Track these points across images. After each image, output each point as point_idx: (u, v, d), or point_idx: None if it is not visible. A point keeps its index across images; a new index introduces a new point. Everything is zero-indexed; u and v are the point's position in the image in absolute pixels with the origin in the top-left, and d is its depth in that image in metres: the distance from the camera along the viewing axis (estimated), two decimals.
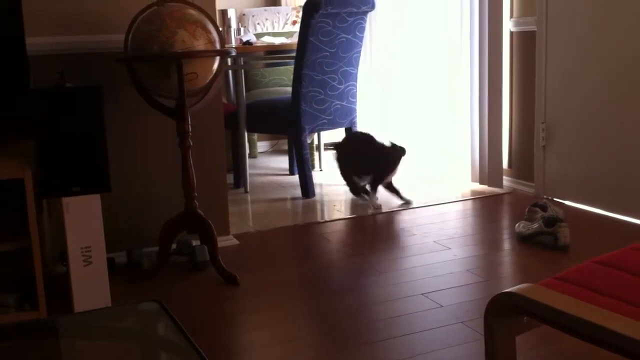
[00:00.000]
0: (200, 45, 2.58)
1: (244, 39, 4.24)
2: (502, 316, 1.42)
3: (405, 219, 3.52)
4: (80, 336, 1.31)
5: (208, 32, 2.63)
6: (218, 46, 2.68)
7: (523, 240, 3.09)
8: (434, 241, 3.14)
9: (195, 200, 2.74)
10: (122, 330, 1.27)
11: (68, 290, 2.49)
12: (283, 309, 2.47)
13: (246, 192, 4.19)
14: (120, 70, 2.85)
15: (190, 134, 2.70)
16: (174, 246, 2.94)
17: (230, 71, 4.71)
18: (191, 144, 2.70)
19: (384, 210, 3.67)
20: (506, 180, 4.05)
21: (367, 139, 3.83)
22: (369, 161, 3.77)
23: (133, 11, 2.81)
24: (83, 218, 2.43)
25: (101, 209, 2.46)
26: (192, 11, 2.65)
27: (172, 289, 2.70)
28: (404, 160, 3.77)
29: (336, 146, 3.91)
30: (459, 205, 3.73)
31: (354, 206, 3.81)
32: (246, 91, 4.82)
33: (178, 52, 2.52)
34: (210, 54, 2.61)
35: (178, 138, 2.69)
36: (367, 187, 3.80)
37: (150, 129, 3.01)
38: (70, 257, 2.44)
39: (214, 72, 2.71)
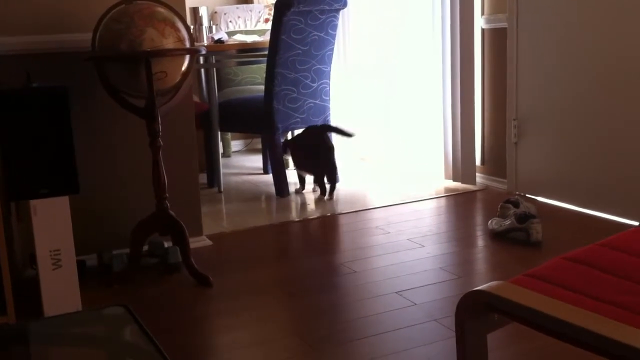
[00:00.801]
0: (169, 43, 2.55)
1: (216, 37, 4.21)
2: (473, 314, 1.42)
3: (379, 216, 3.52)
4: (44, 342, 1.28)
5: (177, 30, 2.60)
6: (187, 44, 2.65)
7: (496, 237, 3.11)
8: (408, 239, 3.14)
9: (167, 201, 2.71)
10: (87, 336, 1.25)
11: (38, 294, 2.45)
12: (257, 310, 2.45)
13: (220, 191, 4.16)
14: (89, 70, 2.81)
15: (161, 133, 2.66)
16: (145, 248, 2.91)
17: (202, 69, 4.68)
18: (162, 143, 2.67)
19: (359, 209, 3.66)
20: (479, 177, 4.07)
21: (313, 135, 3.89)
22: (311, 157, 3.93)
23: (101, 9, 2.77)
24: (51, 220, 2.39)
25: (70, 211, 2.42)
26: (161, 9, 2.62)
27: (144, 292, 2.67)
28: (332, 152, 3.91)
29: (285, 143, 4.02)
30: (433, 203, 3.74)
31: (328, 204, 3.80)
32: (219, 90, 4.80)
33: (147, 51, 2.49)
34: (179, 52, 2.58)
35: (148, 138, 2.66)
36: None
37: (120, 129, 2.97)
38: (39, 260, 2.40)
39: (184, 71, 2.68)
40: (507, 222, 3.05)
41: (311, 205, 3.80)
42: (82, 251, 2.87)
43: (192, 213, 3.15)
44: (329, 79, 4.17)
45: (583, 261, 1.53)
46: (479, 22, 3.91)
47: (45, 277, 2.41)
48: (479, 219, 3.44)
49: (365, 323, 2.30)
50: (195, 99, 4.74)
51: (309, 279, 2.72)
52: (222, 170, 4.25)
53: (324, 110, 4.18)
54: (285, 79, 3.91)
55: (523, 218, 2.98)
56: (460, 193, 3.90)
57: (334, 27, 4.08)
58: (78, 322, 1.30)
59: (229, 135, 5.34)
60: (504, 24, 3.76)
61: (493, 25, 3.84)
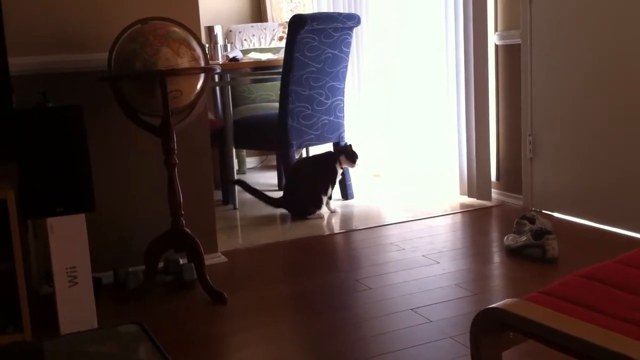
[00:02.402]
0: (184, 62, 2.57)
1: (231, 56, 4.24)
2: (488, 332, 1.41)
3: (394, 233, 3.51)
4: (60, 359, 1.29)
5: (192, 49, 2.63)
6: (202, 63, 2.68)
7: (511, 253, 3.09)
8: (423, 255, 3.13)
9: (182, 218, 2.73)
10: (102, 353, 1.25)
11: (54, 311, 2.46)
12: (272, 327, 2.45)
13: (235, 208, 4.17)
14: (105, 89, 2.84)
15: (176, 151, 2.68)
16: (161, 265, 2.92)
17: (217, 87, 4.71)
18: (177, 161, 2.69)
19: (374, 225, 3.66)
20: (494, 193, 4.05)
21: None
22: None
23: (116, 30, 2.80)
24: (68, 238, 2.40)
25: (86, 228, 2.44)
26: (176, 29, 2.65)
27: (159, 309, 2.67)
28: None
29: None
30: (448, 219, 3.73)
31: (342, 221, 3.80)
32: (234, 107, 4.82)
33: (162, 70, 2.51)
34: (194, 71, 2.60)
35: (164, 156, 2.68)
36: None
37: (135, 147, 2.99)
38: (55, 277, 2.41)
39: (199, 89, 2.70)
40: (523, 238, 3.03)
41: (326, 221, 3.80)
42: (98, 268, 2.89)
43: (207, 230, 3.16)
44: (343, 95, 4.18)
45: (599, 278, 1.52)
46: (493, 39, 3.92)
47: (61, 294, 2.42)
48: (494, 235, 3.42)
49: (380, 340, 2.29)
50: (211, 116, 4.77)
51: (324, 296, 2.72)
52: (237, 187, 4.26)
53: (339, 126, 4.19)
54: (299, 96, 3.93)
55: (539, 234, 2.96)
56: (475, 209, 3.89)
57: (348, 45, 4.10)
58: (93, 340, 1.31)
59: (244, 152, 5.36)
60: (517, 40, 3.76)
61: (507, 42, 3.85)
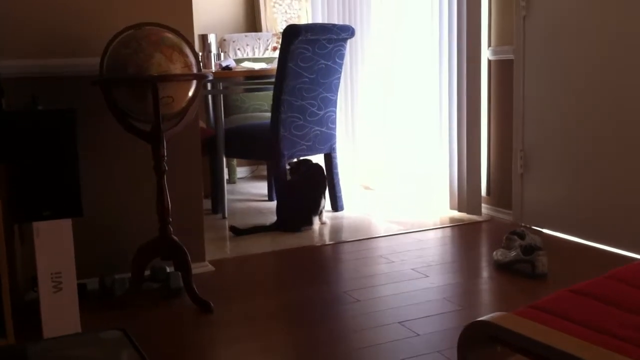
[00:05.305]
0: (176, 69, 2.56)
1: (224, 64, 4.24)
2: (475, 345, 1.39)
3: (384, 245, 3.50)
4: None
5: (185, 56, 2.62)
6: (195, 70, 2.67)
7: (501, 268, 3.08)
8: (412, 269, 3.12)
9: (170, 226, 2.70)
10: (84, 358, 1.23)
11: (39, 317, 2.43)
12: (258, 338, 2.42)
13: (224, 217, 4.15)
14: (95, 94, 2.83)
15: (166, 158, 2.67)
16: (147, 272, 2.89)
17: (209, 96, 4.70)
18: (166, 168, 2.67)
19: (364, 237, 3.65)
20: (485, 208, 4.05)
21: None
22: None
23: (109, 34, 2.79)
24: (54, 243, 2.38)
25: (73, 233, 2.41)
26: (170, 35, 2.64)
27: (145, 317, 2.65)
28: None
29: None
30: (438, 233, 3.72)
31: (332, 233, 3.78)
32: (226, 116, 4.81)
33: (154, 76, 2.50)
34: (186, 77, 2.59)
35: (153, 162, 2.66)
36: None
37: (125, 152, 2.97)
38: (40, 282, 2.38)
39: (191, 96, 2.69)
40: (513, 253, 3.02)
41: (315, 233, 3.79)
42: (84, 274, 2.86)
43: (195, 238, 3.14)
44: (335, 107, 4.18)
45: (588, 294, 1.51)
46: (486, 54, 3.93)
47: (46, 300, 2.39)
48: (484, 249, 3.42)
49: (367, 353, 2.27)
50: (202, 124, 4.75)
51: (311, 307, 2.70)
52: (226, 197, 4.24)
53: (330, 138, 4.18)
54: (291, 106, 3.93)
55: (529, 250, 2.96)
56: (465, 223, 3.88)
57: (342, 56, 4.10)
58: (76, 345, 1.28)
59: (235, 161, 5.34)
60: (510, 56, 3.77)
61: (499, 57, 3.86)
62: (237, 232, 3.76)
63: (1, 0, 2.69)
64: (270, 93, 4.75)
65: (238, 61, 4.87)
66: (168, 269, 2.92)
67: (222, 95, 4.15)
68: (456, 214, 4.06)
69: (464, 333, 1.38)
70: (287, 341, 2.39)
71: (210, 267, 3.19)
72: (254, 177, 5.60)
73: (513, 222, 3.84)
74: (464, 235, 3.65)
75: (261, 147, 4.03)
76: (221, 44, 5.30)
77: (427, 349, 2.28)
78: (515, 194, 3.83)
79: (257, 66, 4.47)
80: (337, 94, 4.17)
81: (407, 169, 4.63)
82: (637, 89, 3.12)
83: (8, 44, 2.71)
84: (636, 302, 1.46)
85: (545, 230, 3.67)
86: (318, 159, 4.31)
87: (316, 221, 3.88)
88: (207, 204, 4.23)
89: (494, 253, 3.17)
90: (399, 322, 2.51)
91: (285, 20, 5.55)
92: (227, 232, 3.83)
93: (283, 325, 2.53)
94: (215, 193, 4.26)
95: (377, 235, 3.69)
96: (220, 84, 4.12)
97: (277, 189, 3.97)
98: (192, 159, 3.10)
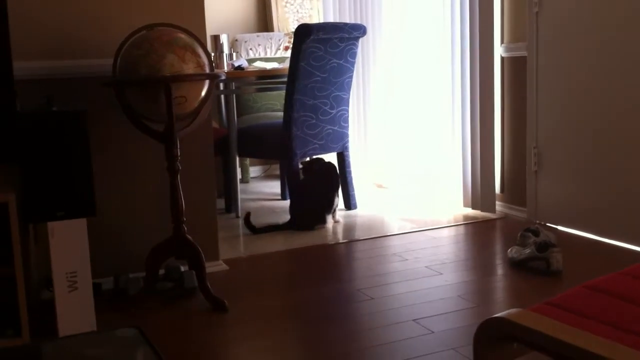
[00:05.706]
0: (189, 69, 2.57)
1: (236, 64, 4.24)
2: (491, 342, 1.39)
3: (397, 243, 3.49)
4: None
5: (197, 56, 2.62)
6: (207, 70, 2.67)
7: (515, 266, 3.06)
8: (426, 266, 3.11)
9: (184, 225, 2.71)
10: (99, 356, 1.24)
11: (54, 316, 2.44)
12: (273, 336, 2.43)
13: (237, 217, 4.16)
14: (109, 95, 2.84)
15: (179, 158, 2.67)
16: (162, 272, 2.90)
17: (222, 96, 4.71)
18: (180, 168, 2.68)
19: (377, 235, 3.64)
20: (499, 205, 4.03)
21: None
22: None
23: (121, 36, 2.80)
24: (68, 243, 2.39)
25: (87, 233, 2.43)
26: (182, 35, 2.64)
27: (159, 315, 2.66)
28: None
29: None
30: (452, 230, 3.71)
31: (345, 231, 3.78)
32: (238, 116, 4.82)
33: (166, 76, 2.51)
34: (198, 77, 2.60)
35: (167, 162, 2.67)
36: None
37: (138, 153, 2.98)
38: (55, 282, 2.40)
39: (203, 96, 2.69)
40: (527, 250, 3.01)
41: (328, 231, 3.79)
42: (99, 274, 2.87)
43: (209, 238, 3.15)
44: (347, 105, 4.17)
45: (604, 290, 1.50)
46: (499, 51, 3.91)
47: (61, 299, 2.41)
48: (498, 247, 3.40)
49: (381, 351, 2.26)
50: (215, 124, 4.76)
51: (325, 305, 2.70)
52: (240, 196, 4.25)
53: (343, 136, 4.18)
54: (304, 105, 3.93)
55: (543, 247, 2.94)
56: (479, 221, 3.87)
57: (354, 55, 4.10)
58: (91, 343, 1.29)
59: (248, 161, 5.35)
60: (523, 53, 3.75)
61: (513, 54, 3.84)
62: (254, 230, 3.77)
63: (14, 3, 2.71)
64: (283, 92, 4.75)
65: (250, 61, 4.88)
66: (182, 268, 2.93)
67: (234, 95, 4.16)
68: (470, 211, 4.05)
69: (480, 330, 1.38)
70: (300, 339, 2.39)
71: (224, 266, 3.19)
72: (267, 176, 5.61)
73: (527, 219, 3.82)
74: (478, 233, 3.64)
75: (274, 146, 4.04)
76: (233, 44, 5.31)
77: (442, 347, 2.27)
78: (529, 191, 3.81)
79: (269, 66, 4.47)
80: (349, 93, 4.16)
81: (420, 166, 4.62)
82: None
83: (20, 46, 2.73)
84: None
85: (559, 227, 3.65)
86: (331, 157, 4.30)
87: (329, 220, 3.88)
88: (220, 203, 4.24)
89: (509, 250, 3.15)
90: (413, 320, 2.51)
91: (297, 20, 5.55)
92: (241, 231, 3.83)
93: (297, 323, 2.53)
94: (229, 192, 4.27)
95: (390, 234, 3.68)
96: (233, 83, 4.13)
97: (290, 188, 3.97)
98: (205, 158, 3.11)
